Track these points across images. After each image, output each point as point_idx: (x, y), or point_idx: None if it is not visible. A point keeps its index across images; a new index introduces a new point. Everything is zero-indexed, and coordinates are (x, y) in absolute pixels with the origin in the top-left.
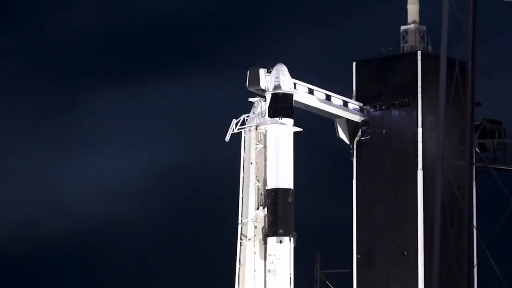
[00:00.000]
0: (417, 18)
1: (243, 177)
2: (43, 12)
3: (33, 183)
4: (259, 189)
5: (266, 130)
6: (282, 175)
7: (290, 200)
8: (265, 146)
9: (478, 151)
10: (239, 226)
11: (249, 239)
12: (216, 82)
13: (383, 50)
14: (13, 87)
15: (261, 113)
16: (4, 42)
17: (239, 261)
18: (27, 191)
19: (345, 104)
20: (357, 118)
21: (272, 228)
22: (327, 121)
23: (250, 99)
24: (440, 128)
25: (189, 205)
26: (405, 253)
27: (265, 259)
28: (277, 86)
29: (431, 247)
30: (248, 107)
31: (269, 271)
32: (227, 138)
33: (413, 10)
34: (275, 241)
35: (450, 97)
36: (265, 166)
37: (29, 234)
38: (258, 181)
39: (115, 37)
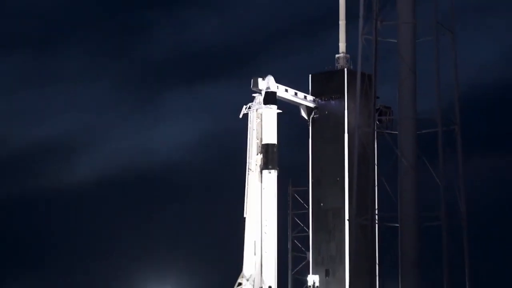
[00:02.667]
0: (344, 50)
1: (249, 137)
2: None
3: (136, 138)
4: (258, 143)
5: (262, 112)
6: (270, 136)
7: (275, 150)
8: (261, 120)
9: (378, 123)
10: (247, 163)
11: (252, 171)
12: (234, 85)
13: (326, 67)
14: (128, 86)
15: (259, 102)
16: (127, 65)
17: (247, 183)
18: (133, 143)
19: (305, 97)
20: (312, 105)
21: (265, 165)
22: (295, 107)
23: (253, 95)
24: (356, 111)
25: (220, 153)
26: (338, 179)
27: (261, 182)
28: (268, 88)
29: (352, 175)
30: (252, 99)
31: (263, 188)
32: (240, 115)
33: (342, 46)
34: (267, 172)
35: (362, 94)
36: (261, 131)
37: (132, 167)
38: (257, 139)
39: (178, 62)
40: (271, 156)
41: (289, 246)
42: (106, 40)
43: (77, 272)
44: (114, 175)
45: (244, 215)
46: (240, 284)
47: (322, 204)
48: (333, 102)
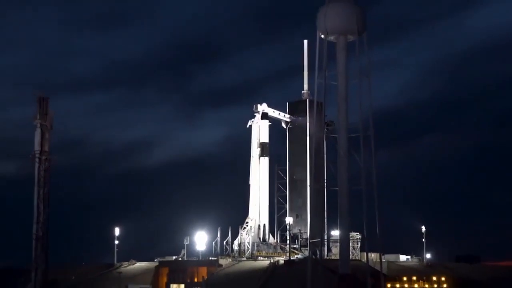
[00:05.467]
0: (307, 88)
1: (252, 138)
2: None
3: (186, 139)
4: (257, 142)
5: (260, 124)
6: (265, 137)
7: (267, 146)
8: (259, 129)
9: (326, 131)
10: (251, 153)
11: (254, 157)
12: (244, 108)
13: (296, 99)
14: (181, 108)
15: (258, 118)
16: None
17: (251, 164)
18: (184, 142)
19: (284, 116)
20: (288, 120)
21: (261, 154)
22: (279, 121)
23: (255, 114)
24: (314, 124)
25: (235, 147)
26: (303, 162)
27: (259, 164)
28: (263, 110)
29: (311, 160)
30: (254, 116)
31: (260, 168)
32: (247, 126)
33: (305, 86)
34: (263, 158)
35: (317, 114)
36: (259, 135)
37: (184, 156)
38: (257, 139)
39: (210, 94)
40: (265, 149)
41: (275, 200)
42: (168, 80)
43: (157, 216)
44: (174, 161)
45: (250, 183)
46: (247, 222)
47: (294, 177)
48: (300, 118)
